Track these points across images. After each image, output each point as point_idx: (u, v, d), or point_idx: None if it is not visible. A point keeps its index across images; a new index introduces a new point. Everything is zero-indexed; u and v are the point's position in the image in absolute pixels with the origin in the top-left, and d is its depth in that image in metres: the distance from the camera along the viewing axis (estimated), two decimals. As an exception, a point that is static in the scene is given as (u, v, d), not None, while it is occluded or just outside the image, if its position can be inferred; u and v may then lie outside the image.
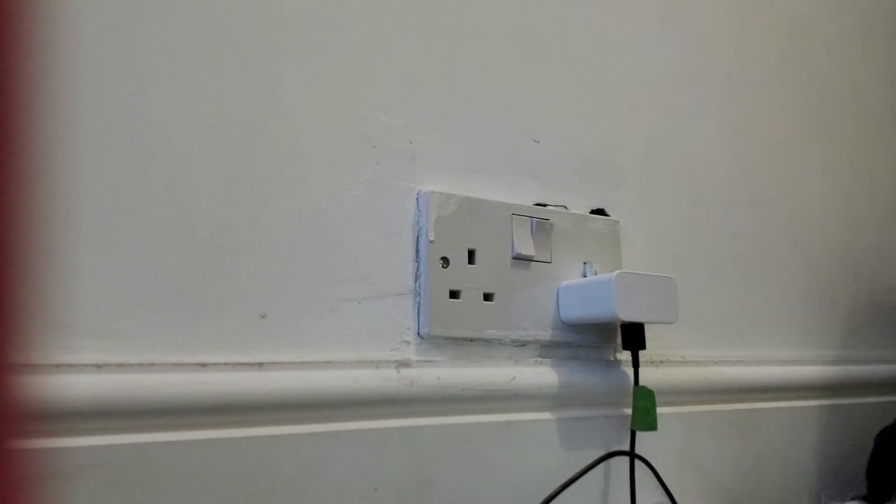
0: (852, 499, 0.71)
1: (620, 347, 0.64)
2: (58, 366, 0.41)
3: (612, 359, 0.64)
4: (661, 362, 0.67)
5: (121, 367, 0.44)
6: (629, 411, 0.62)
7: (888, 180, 0.96)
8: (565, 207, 0.64)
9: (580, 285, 0.60)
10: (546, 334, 0.60)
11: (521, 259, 0.60)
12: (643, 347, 0.61)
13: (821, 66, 0.92)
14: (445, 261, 0.56)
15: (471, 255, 0.58)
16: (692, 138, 0.76)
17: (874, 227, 0.93)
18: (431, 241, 0.56)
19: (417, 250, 0.56)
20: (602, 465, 0.60)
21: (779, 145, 0.84)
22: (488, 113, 0.62)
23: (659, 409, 0.61)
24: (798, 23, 0.90)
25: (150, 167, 0.46)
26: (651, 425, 0.60)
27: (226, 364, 0.47)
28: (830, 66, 0.93)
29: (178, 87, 0.48)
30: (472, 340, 0.57)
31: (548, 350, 0.61)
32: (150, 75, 0.47)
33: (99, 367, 0.43)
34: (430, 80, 0.59)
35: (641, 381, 0.61)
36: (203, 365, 0.46)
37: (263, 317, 0.49)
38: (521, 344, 0.59)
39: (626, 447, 0.61)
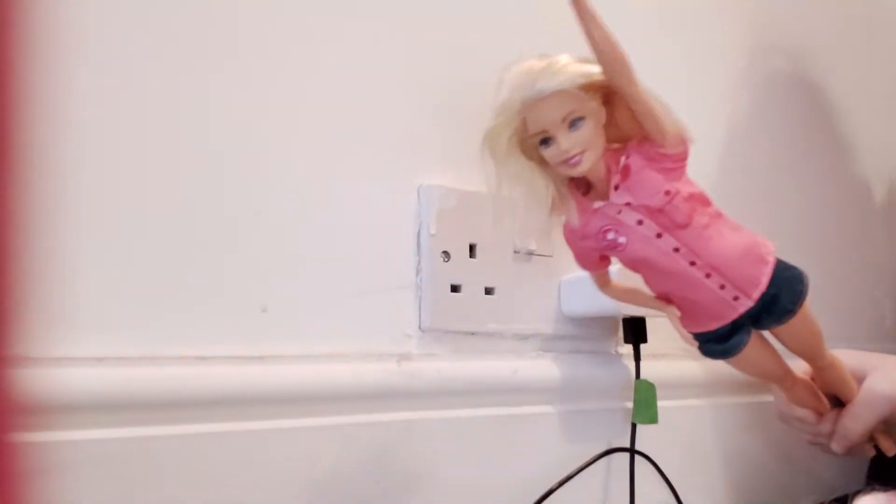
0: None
1: (622, 341, 0.64)
2: (58, 359, 0.41)
3: (614, 352, 0.64)
4: (663, 356, 0.67)
5: (121, 360, 0.43)
6: (631, 405, 0.61)
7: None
8: (567, 201, 0.64)
9: (582, 279, 0.60)
10: (548, 328, 0.60)
11: (522, 253, 0.60)
12: (645, 341, 0.61)
13: (823, 60, 0.91)
14: (447, 254, 0.56)
15: (472, 249, 0.57)
16: (694, 134, 0.76)
17: (879, 222, 0.93)
18: (432, 235, 0.55)
19: (419, 244, 0.56)
20: (603, 459, 0.60)
21: (782, 141, 0.84)
22: (489, 104, 0.61)
23: (661, 403, 0.61)
24: (799, 20, 0.90)
25: (150, 160, 0.46)
26: (652, 419, 0.60)
27: (227, 357, 0.47)
28: (834, 59, 0.93)
29: (178, 82, 0.48)
30: (473, 334, 0.57)
31: (549, 344, 0.61)
32: (150, 70, 0.47)
33: (99, 360, 0.43)
34: (433, 73, 0.59)
35: (643, 375, 0.61)
36: (204, 358, 0.46)
37: (264, 310, 0.49)
38: (523, 338, 0.59)
39: (628, 441, 0.61)
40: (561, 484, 0.57)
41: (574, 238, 0.45)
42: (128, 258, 0.45)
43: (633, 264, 0.44)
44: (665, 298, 0.45)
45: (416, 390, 0.53)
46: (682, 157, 0.42)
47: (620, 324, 0.63)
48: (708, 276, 0.42)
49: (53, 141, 0.42)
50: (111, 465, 0.42)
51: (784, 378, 0.53)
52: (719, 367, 0.71)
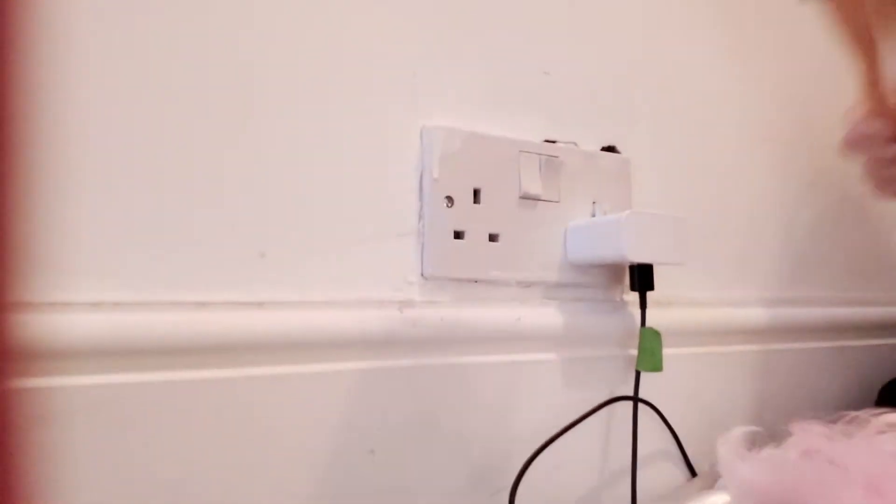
0: None
1: (628, 288, 0.63)
2: (53, 304, 0.40)
3: (619, 300, 0.63)
4: (670, 303, 0.66)
5: (117, 305, 0.42)
6: (635, 353, 0.61)
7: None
8: (575, 144, 0.62)
9: (589, 225, 0.59)
10: (552, 275, 0.59)
11: (528, 198, 0.58)
12: (651, 289, 0.60)
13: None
14: (450, 200, 0.54)
15: (476, 195, 0.56)
16: (709, 77, 0.74)
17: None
18: (436, 180, 0.54)
19: (421, 189, 0.54)
20: (607, 407, 0.59)
21: (797, 84, 0.82)
22: (497, 43, 0.59)
23: (666, 351, 0.60)
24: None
25: (147, 102, 0.44)
26: (656, 367, 0.60)
27: (225, 303, 0.46)
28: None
29: (177, 24, 0.46)
30: (476, 281, 0.56)
31: (554, 291, 0.60)
32: (149, 9, 0.45)
33: (95, 305, 0.42)
34: (436, 10, 0.57)
35: (648, 323, 0.60)
36: (201, 304, 0.45)
37: (263, 256, 0.48)
38: (527, 285, 0.58)
39: (631, 389, 0.60)
40: (564, 431, 0.56)
41: None
42: (125, 203, 0.43)
43: None
44: None
45: (417, 338, 0.52)
46: None
47: (626, 271, 0.62)
48: None
49: (50, 83, 0.40)
50: (107, 411, 0.41)
51: (871, 50, 0.55)
52: (725, 315, 0.70)
